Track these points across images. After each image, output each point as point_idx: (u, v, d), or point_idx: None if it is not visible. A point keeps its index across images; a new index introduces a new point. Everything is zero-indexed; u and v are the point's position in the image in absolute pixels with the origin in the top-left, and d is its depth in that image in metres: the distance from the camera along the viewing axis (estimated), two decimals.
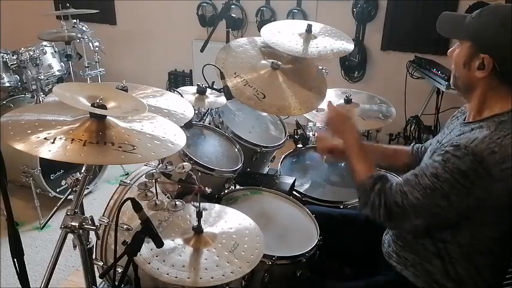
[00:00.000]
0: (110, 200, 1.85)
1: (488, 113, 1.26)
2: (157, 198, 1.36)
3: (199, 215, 1.30)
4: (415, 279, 1.39)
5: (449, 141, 1.23)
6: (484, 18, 1.24)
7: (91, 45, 3.32)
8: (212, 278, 1.19)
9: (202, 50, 2.37)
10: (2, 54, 2.86)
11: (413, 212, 1.25)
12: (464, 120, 1.38)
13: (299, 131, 2.41)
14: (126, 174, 3.18)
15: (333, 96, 2.35)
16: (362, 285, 1.49)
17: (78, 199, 1.33)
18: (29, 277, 1.35)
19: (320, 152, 1.89)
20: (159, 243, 1.17)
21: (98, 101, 1.21)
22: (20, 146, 1.08)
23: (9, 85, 2.90)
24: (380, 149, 1.80)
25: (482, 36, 1.22)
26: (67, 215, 1.29)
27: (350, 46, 2.13)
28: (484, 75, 1.22)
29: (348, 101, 2.27)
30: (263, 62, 2.06)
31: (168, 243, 1.28)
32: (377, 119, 2.26)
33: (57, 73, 3.14)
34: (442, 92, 3.09)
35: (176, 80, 4.18)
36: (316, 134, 2.24)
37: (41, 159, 2.61)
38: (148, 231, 1.16)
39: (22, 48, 2.90)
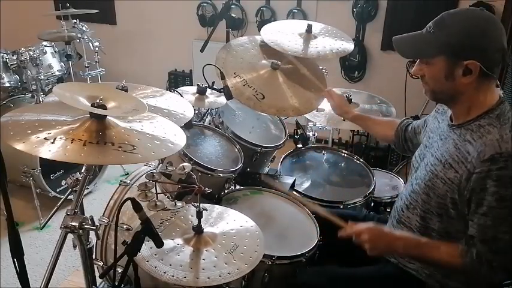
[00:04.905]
0: (110, 200, 1.85)
1: (478, 109, 1.26)
2: (157, 199, 1.36)
3: (199, 215, 1.31)
4: (417, 274, 1.41)
5: (460, 155, 1.23)
6: (449, 28, 1.23)
7: (91, 45, 3.31)
8: (209, 278, 1.19)
9: (202, 50, 2.37)
10: (2, 54, 2.86)
11: (510, 246, 1.18)
12: (451, 122, 1.35)
13: (299, 131, 2.41)
14: (126, 174, 3.18)
15: None
16: (365, 272, 1.49)
17: (78, 199, 1.33)
18: (29, 277, 1.35)
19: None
20: (159, 243, 1.17)
21: (98, 101, 1.21)
22: (20, 146, 1.08)
23: (9, 85, 2.90)
24: (369, 120, 1.89)
25: (458, 45, 1.21)
26: (67, 215, 1.29)
27: (350, 46, 2.13)
28: (473, 79, 1.22)
29: (348, 101, 2.26)
30: (263, 62, 2.06)
31: (168, 243, 1.28)
32: None
33: (57, 73, 3.14)
34: None
35: (176, 80, 4.17)
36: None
37: (41, 159, 2.61)
38: (148, 231, 1.16)
39: (22, 48, 2.90)
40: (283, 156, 2.23)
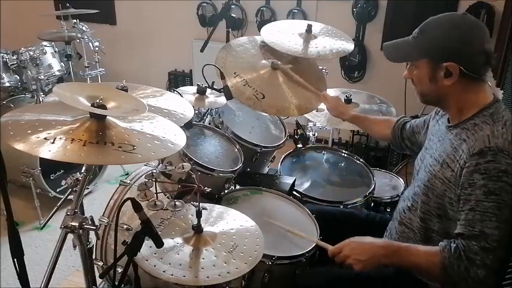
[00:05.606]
0: (110, 200, 1.85)
1: (472, 109, 1.28)
2: (157, 198, 1.36)
3: (198, 214, 1.31)
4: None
5: (456, 154, 1.24)
6: (429, 33, 1.29)
7: (91, 45, 3.32)
8: (208, 277, 1.19)
9: (202, 50, 2.38)
10: (2, 54, 2.86)
11: (499, 246, 1.15)
12: (448, 123, 1.37)
13: (299, 131, 2.41)
14: (126, 174, 3.18)
15: None
16: (364, 273, 1.48)
17: (78, 199, 1.33)
18: (29, 277, 1.35)
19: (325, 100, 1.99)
20: (159, 243, 1.17)
21: (98, 101, 1.21)
22: (20, 146, 1.07)
23: (9, 85, 2.91)
24: (367, 119, 1.89)
25: (438, 48, 1.26)
26: (67, 215, 1.29)
27: (350, 46, 2.13)
28: (454, 80, 1.25)
29: (348, 101, 2.27)
30: (263, 61, 2.06)
31: (168, 242, 1.28)
32: None
33: (57, 73, 3.14)
34: None
35: (176, 80, 4.18)
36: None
37: (41, 159, 2.61)
38: (148, 231, 1.16)
39: (22, 48, 2.91)
40: (283, 156, 2.23)
